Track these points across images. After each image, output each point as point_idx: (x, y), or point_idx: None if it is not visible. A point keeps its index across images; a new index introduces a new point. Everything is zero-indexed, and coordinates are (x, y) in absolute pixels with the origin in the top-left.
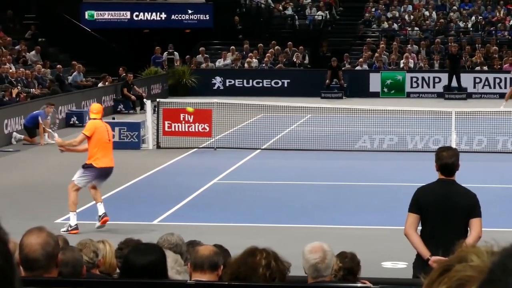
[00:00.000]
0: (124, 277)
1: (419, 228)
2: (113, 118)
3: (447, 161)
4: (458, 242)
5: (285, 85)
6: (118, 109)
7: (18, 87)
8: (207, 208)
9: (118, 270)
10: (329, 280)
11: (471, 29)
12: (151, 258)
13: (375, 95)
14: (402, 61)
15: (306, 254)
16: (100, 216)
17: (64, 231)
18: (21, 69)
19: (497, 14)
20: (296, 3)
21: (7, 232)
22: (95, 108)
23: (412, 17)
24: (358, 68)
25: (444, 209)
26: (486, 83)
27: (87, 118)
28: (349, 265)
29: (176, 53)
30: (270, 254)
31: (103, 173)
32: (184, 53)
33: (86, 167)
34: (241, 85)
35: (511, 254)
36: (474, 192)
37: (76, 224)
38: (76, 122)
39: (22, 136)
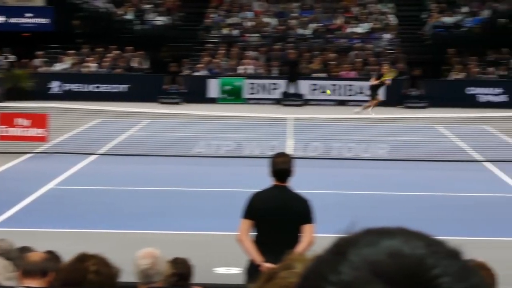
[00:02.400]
0: None
1: (254, 233)
2: None
3: (280, 167)
4: (291, 247)
5: (124, 89)
6: None
7: None
8: (42, 213)
9: None
10: (160, 286)
11: (310, 36)
12: None
13: (214, 100)
14: (241, 67)
15: (136, 260)
16: None
17: None
18: None
19: (336, 21)
20: (137, 7)
21: None
22: None
23: (252, 23)
24: (197, 73)
25: (277, 215)
26: (323, 90)
27: None
28: (181, 271)
29: (13, 56)
30: (100, 260)
31: None
32: (22, 56)
33: None
34: (79, 90)
35: (324, 261)
36: (307, 198)
37: None
38: None
39: None
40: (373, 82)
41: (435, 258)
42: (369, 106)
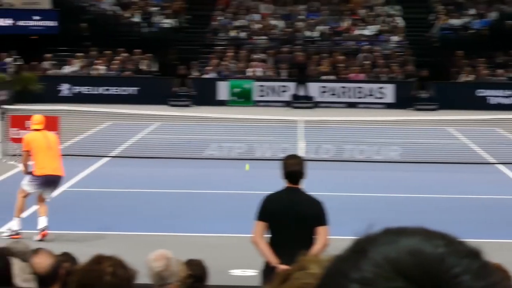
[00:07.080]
0: None
1: (268, 235)
2: None
3: (292, 169)
4: (305, 249)
5: (133, 92)
6: None
7: None
8: (56, 216)
9: None
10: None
11: (317, 38)
12: None
13: (223, 103)
14: (249, 70)
15: (149, 262)
16: (40, 229)
17: (6, 236)
18: None
19: (343, 24)
20: (144, 10)
21: None
22: (35, 119)
23: (259, 26)
24: (206, 76)
25: (290, 217)
26: (333, 92)
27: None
28: (197, 273)
29: (22, 59)
30: (116, 262)
31: (45, 181)
32: (30, 59)
33: (31, 175)
34: (89, 92)
35: (345, 259)
36: (321, 200)
37: (17, 230)
38: None
39: None
40: None
41: (455, 257)
42: None
